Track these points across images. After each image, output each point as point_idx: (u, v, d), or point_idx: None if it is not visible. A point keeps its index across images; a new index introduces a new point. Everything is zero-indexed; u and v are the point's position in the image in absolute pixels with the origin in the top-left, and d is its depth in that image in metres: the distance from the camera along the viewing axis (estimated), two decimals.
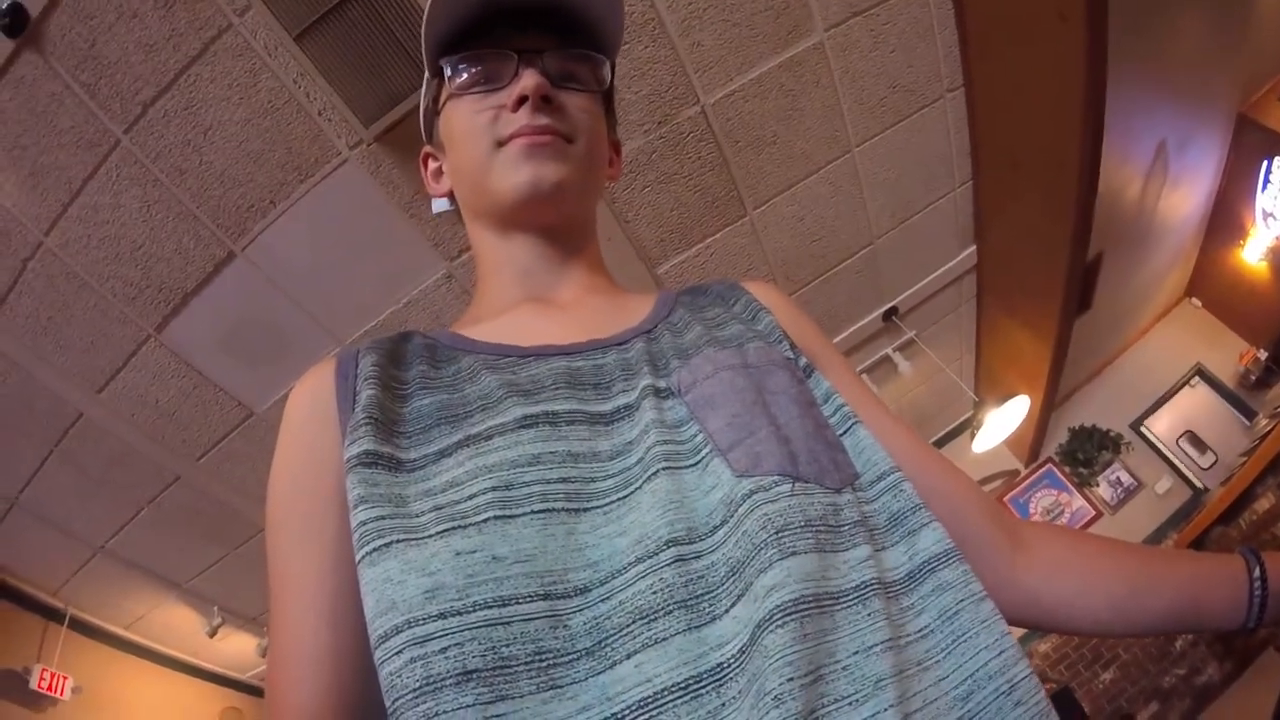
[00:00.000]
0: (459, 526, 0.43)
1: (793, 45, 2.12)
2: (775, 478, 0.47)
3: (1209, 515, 3.41)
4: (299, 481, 0.53)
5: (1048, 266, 2.80)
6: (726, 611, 0.42)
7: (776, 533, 0.44)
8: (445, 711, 0.37)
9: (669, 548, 0.43)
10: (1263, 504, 3.08)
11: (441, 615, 0.39)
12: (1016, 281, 3.08)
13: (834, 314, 3.11)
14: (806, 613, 0.41)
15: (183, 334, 2.02)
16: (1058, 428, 4.70)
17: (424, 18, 0.63)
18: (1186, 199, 4.14)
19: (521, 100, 0.62)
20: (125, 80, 1.60)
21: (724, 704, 0.38)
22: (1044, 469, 4.72)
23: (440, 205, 0.79)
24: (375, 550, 0.43)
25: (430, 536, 0.43)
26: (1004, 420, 3.26)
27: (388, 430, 0.50)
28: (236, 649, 3.28)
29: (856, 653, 0.42)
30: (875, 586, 0.45)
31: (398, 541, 0.43)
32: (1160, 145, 3.46)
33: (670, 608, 0.41)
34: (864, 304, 3.15)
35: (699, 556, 0.44)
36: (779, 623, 0.40)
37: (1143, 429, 4.69)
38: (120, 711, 2.93)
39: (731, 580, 0.43)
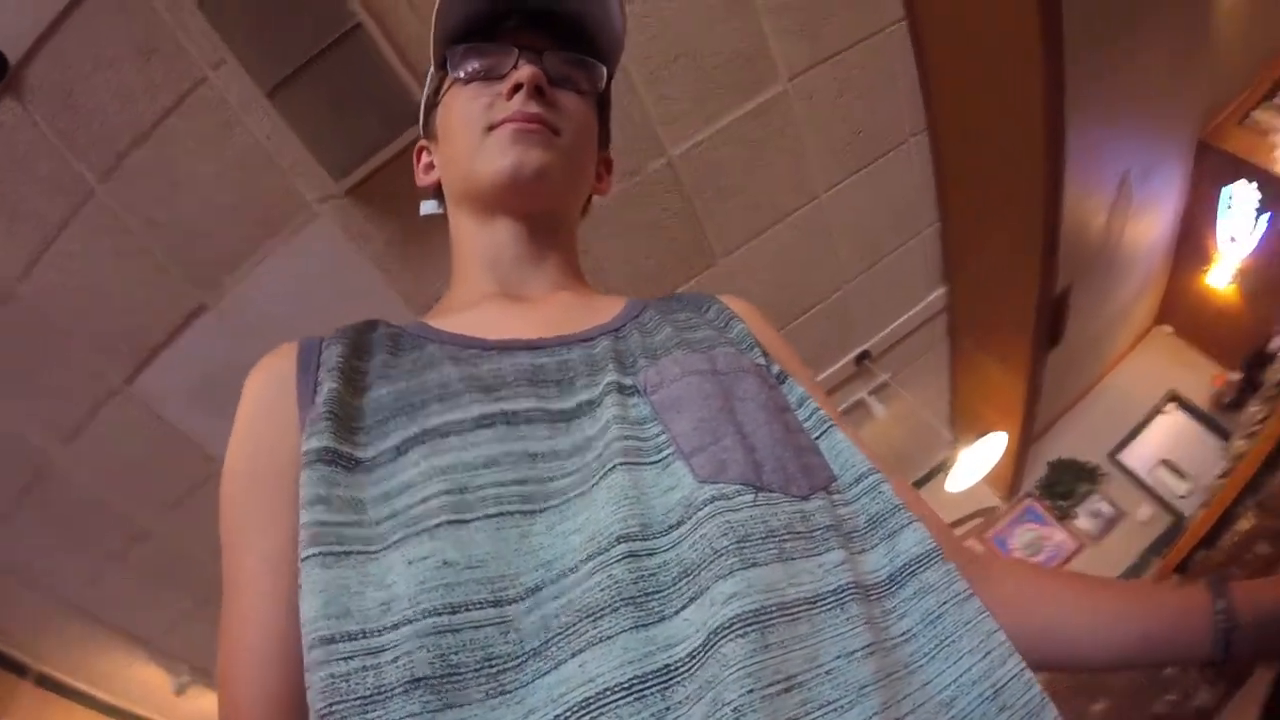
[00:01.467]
0: (413, 534, 0.43)
1: (757, 95, 2.17)
2: (738, 486, 0.47)
3: (1190, 539, 3.40)
4: (256, 469, 0.52)
5: (1018, 302, 2.85)
6: (677, 613, 0.41)
7: (738, 542, 0.44)
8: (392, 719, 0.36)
9: (620, 544, 0.43)
10: (1243, 524, 3.08)
11: (395, 626, 0.39)
12: (988, 319, 3.13)
13: (807, 359, 3.05)
14: (771, 622, 0.41)
15: (153, 385, 2.00)
16: (1036, 462, 4.73)
17: (435, 10, 0.66)
18: (1152, 227, 4.24)
19: (516, 88, 0.64)
20: (102, 129, 1.61)
21: (669, 708, 0.37)
22: (1024, 504, 4.74)
23: (429, 207, 0.82)
24: (332, 555, 0.42)
25: (387, 548, 0.43)
26: (981, 457, 3.28)
27: (346, 427, 0.50)
28: (204, 708, 3.19)
29: (839, 657, 0.41)
30: (853, 590, 0.45)
31: (357, 553, 0.43)
32: (1124, 176, 3.55)
33: (617, 604, 0.40)
34: (836, 348, 3.18)
35: (651, 554, 0.43)
36: (739, 631, 0.39)
37: (1120, 458, 4.73)
38: None
39: (684, 581, 0.42)
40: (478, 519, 0.44)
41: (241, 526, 0.51)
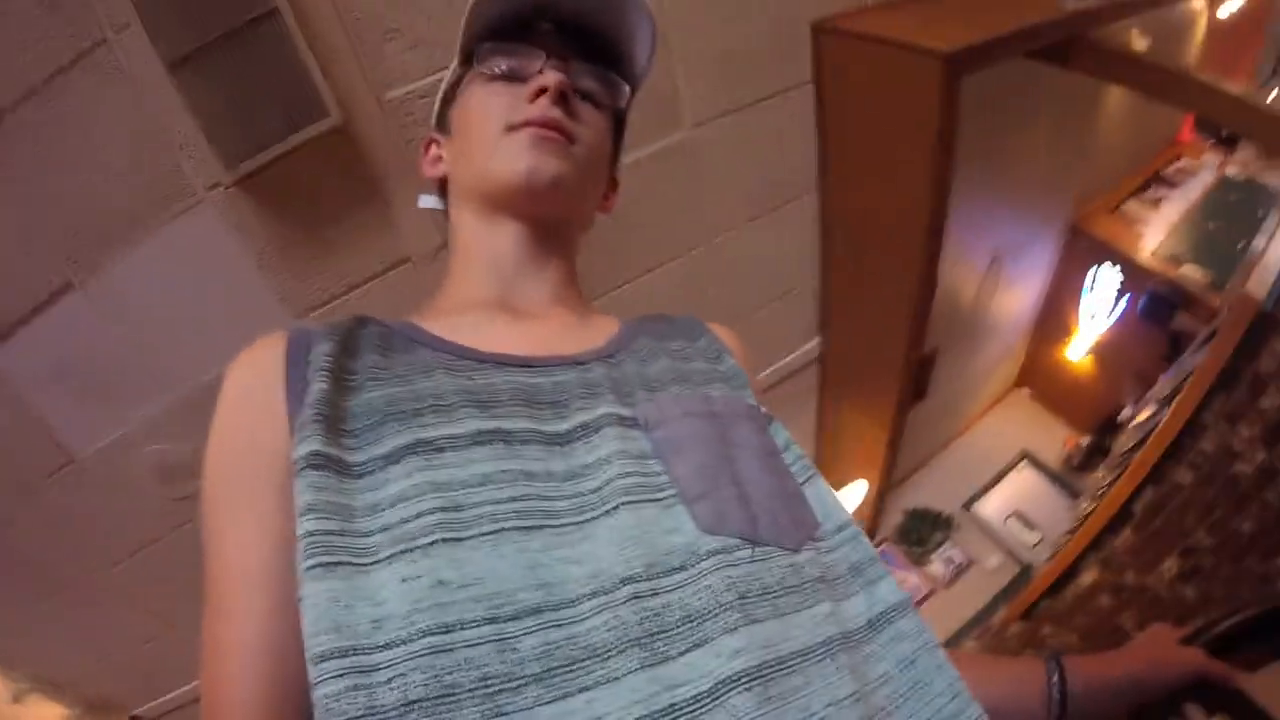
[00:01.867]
0: (405, 550, 0.42)
1: (661, 138, 2.23)
2: (737, 540, 0.49)
3: (1036, 589, 3.64)
4: (241, 463, 0.51)
5: (887, 359, 2.99)
6: (680, 655, 0.42)
7: (740, 597, 0.46)
8: None
9: (624, 585, 0.44)
10: (1086, 578, 3.31)
11: (387, 645, 0.39)
12: (857, 373, 3.26)
13: None
14: (771, 676, 0.43)
15: (7, 363, 1.84)
16: (894, 509, 4.96)
17: (470, 4, 0.67)
18: (1019, 299, 4.59)
19: (540, 92, 0.65)
20: None
21: None
22: (881, 549, 4.95)
23: (427, 201, 0.81)
24: (323, 566, 0.41)
25: (379, 562, 0.42)
26: (846, 506, 3.40)
27: (335, 430, 0.49)
28: (45, 718, 2.91)
29: (829, 705, 0.44)
30: (839, 641, 0.48)
31: (346, 564, 0.42)
32: (997, 252, 3.84)
33: (625, 646, 0.41)
34: None
35: (654, 594, 0.44)
36: (745, 685, 0.41)
37: (974, 509, 5.03)
38: None
39: (686, 626, 0.44)
40: (473, 537, 0.43)
41: (225, 526, 0.49)
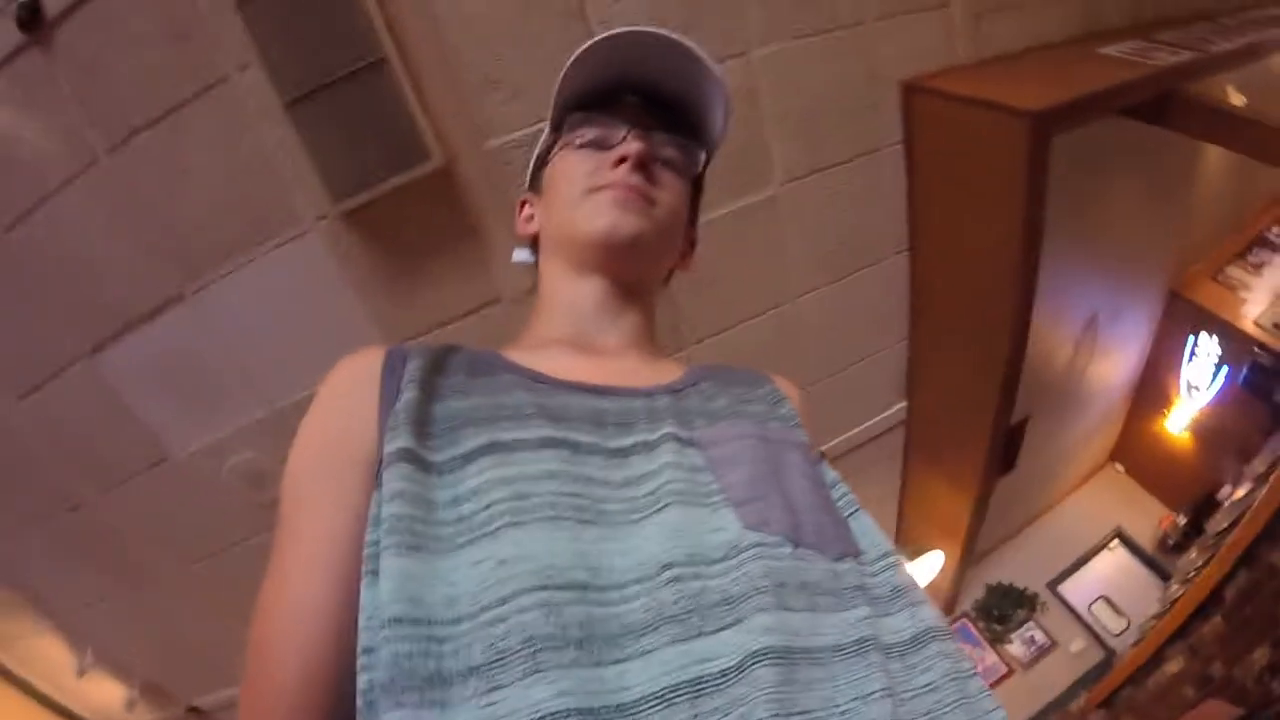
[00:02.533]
0: (476, 538, 0.46)
1: (750, 195, 2.24)
2: (780, 538, 0.52)
3: (1119, 676, 3.46)
4: (330, 445, 0.55)
5: (975, 426, 2.90)
6: (715, 632, 0.45)
7: (776, 585, 0.48)
8: (452, 704, 0.39)
9: (665, 570, 0.46)
10: (1171, 667, 3.13)
11: (456, 620, 0.42)
12: (943, 438, 3.17)
13: None
14: (796, 662, 0.44)
15: (117, 362, 1.99)
16: (975, 583, 4.76)
17: (558, 81, 0.74)
18: (1115, 368, 4.35)
19: (622, 160, 0.70)
20: (119, 102, 1.64)
21: (697, 715, 0.41)
22: (958, 624, 4.75)
23: (520, 255, 0.87)
24: (405, 547, 0.44)
25: (455, 549, 0.46)
26: (918, 574, 3.30)
27: (423, 432, 0.53)
28: (103, 695, 3.06)
29: (855, 699, 0.45)
30: (873, 643, 0.49)
31: (426, 549, 0.45)
32: (1092, 316, 3.68)
33: (660, 624, 0.44)
34: None
35: (696, 578, 0.47)
36: (772, 660, 0.43)
37: (1060, 590, 4.76)
38: None
39: (724, 608, 0.46)
40: (533, 521, 0.47)
41: (303, 501, 0.53)
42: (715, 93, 0.75)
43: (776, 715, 0.41)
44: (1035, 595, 4.72)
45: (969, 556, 3.96)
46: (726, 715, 0.41)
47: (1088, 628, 4.62)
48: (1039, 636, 4.62)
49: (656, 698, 0.41)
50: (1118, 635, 4.52)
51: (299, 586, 0.50)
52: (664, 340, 0.81)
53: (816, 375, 2.85)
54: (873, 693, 0.46)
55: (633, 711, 0.40)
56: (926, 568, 3.50)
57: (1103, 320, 3.76)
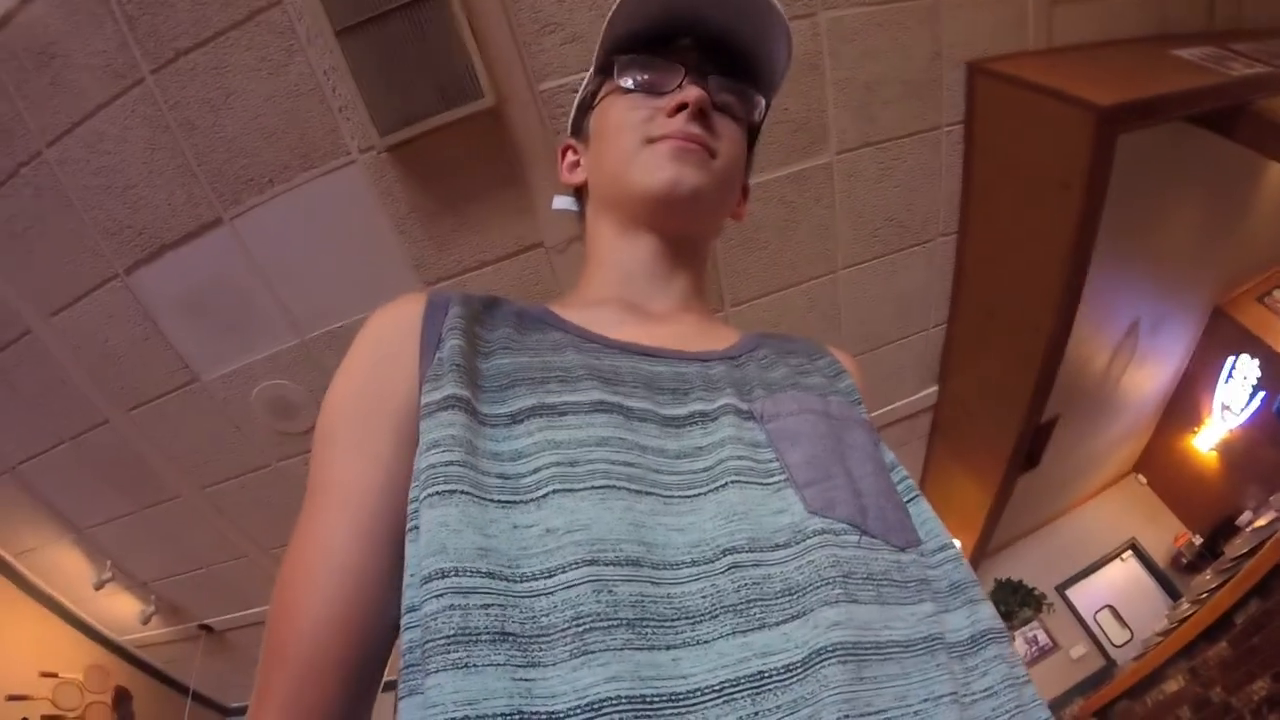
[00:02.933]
0: (521, 501, 0.44)
1: (804, 161, 2.20)
2: (845, 525, 0.49)
3: (1117, 687, 3.47)
4: (363, 396, 0.53)
5: (1004, 420, 2.87)
6: (778, 624, 0.42)
7: (844, 576, 0.45)
8: (477, 665, 0.36)
9: (725, 556, 0.44)
10: (1171, 685, 3.13)
11: (490, 575, 0.39)
12: (971, 429, 3.14)
13: None
14: (867, 658, 0.42)
15: (150, 283, 2.00)
16: (985, 577, 4.74)
17: (608, 16, 0.67)
18: (1150, 378, 4.28)
19: (680, 108, 0.65)
20: (166, 23, 1.62)
21: (757, 713, 0.38)
22: None
23: (563, 203, 0.83)
24: (439, 494, 0.42)
25: (492, 502, 0.43)
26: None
27: (471, 382, 0.50)
28: (119, 609, 3.15)
29: (926, 700, 0.42)
30: (940, 642, 0.46)
31: (462, 493, 0.42)
32: (1134, 322, 3.60)
33: (718, 612, 0.41)
34: None
35: (757, 565, 0.44)
36: (840, 658, 0.40)
37: (1068, 593, 4.75)
38: None
39: (786, 598, 0.43)
40: (585, 489, 0.44)
41: (336, 449, 0.52)
42: (777, 33, 0.69)
43: (848, 716, 0.38)
44: (1043, 596, 4.71)
45: (983, 549, 3.95)
46: (791, 715, 0.38)
47: (1091, 635, 4.61)
48: (1042, 637, 4.62)
49: (714, 691, 0.38)
50: (1120, 646, 4.51)
51: (325, 539, 0.48)
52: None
53: (851, 350, 2.79)
54: (942, 696, 0.43)
55: (688, 703, 0.37)
56: None
57: (1144, 328, 3.68)
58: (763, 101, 0.74)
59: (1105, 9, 2.30)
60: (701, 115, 0.66)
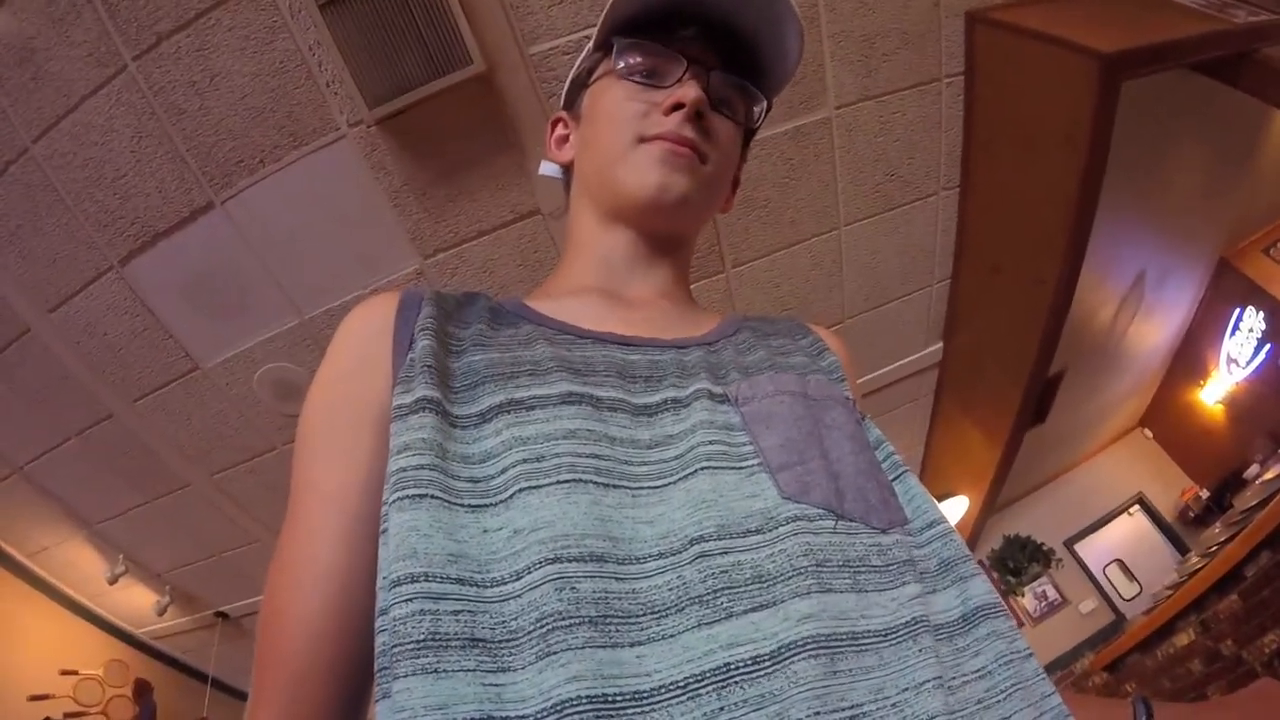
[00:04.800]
0: (489, 504, 0.44)
1: (802, 116, 2.17)
2: (820, 510, 0.48)
3: (1128, 641, 3.49)
4: (340, 398, 0.53)
5: (1010, 374, 2.86)
6: (745, 613, 0.41)
7: (817, 565, 0.44)
8: (446, 670, 0.36)
9: (693, 546, 0.43)
10: (1181, 639, 3.14)
11: (460, 581, 0.39)
12: (977, 385, 3.13)
13: None
14: (841, 650, 0.41)
15: (146, 272, 1.98)
16: (993, 533, 4.77)
17: None
18: (1156, 331, 4.27)
19: (676, 107, 0.63)
20: (146, 7, 1.58)
21: (723, 708, 0.37)
22: None
23: (550, 169, 0.80)
24: (409, 498, 0.42)
25: (462, 507, 0.43)
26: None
27: (443, 383, 0.50)
28: (134, 602, 3.17)
29: (905, 690, 0.41)
30: (924, 624, 0.45)
31: (432, 497, 0.42)
32: (1139, 275, 3.58)
33: (684, 604, 0.40)
34: None
35: (725, 553, 0.43)
36: (812, 652, 0.39)
37: (1076, 548, 4.77)
38: (6, 637, 2.82)
39: (756, 585, 0.42)
40: (549, 484, 0.44)
41: (316, 456, 0.52)
42: (788, 25, 0.66)
43: (818, 713, 0.37)
44: (1051, 551, 4.74)
45: (991, 505, 3.97)
46: (759, 710, 0.37)
47: (1100, 589, 4.65)
48: (1051, 592, 4.66)
49: (679, 687, 0.37)
50: (1129, 600, 4.54)
51: (309, 542, 0.48)
52: (702, 263, 0.76)
53: (854, 308, 2.81)
54: (924, 682, 0.42)
55: (651, 701, 0.36)
56: (950, 512, 3.51)
57: (1150, 280, 3.66)
58: (764, 103, 0.71)
59: None
60: (698, 116, 0.64)
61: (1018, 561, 4.67)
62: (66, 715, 2.91)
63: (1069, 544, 4.79)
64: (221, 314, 2.10)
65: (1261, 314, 4.05)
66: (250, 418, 2.37)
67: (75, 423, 2.36)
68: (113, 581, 2.90)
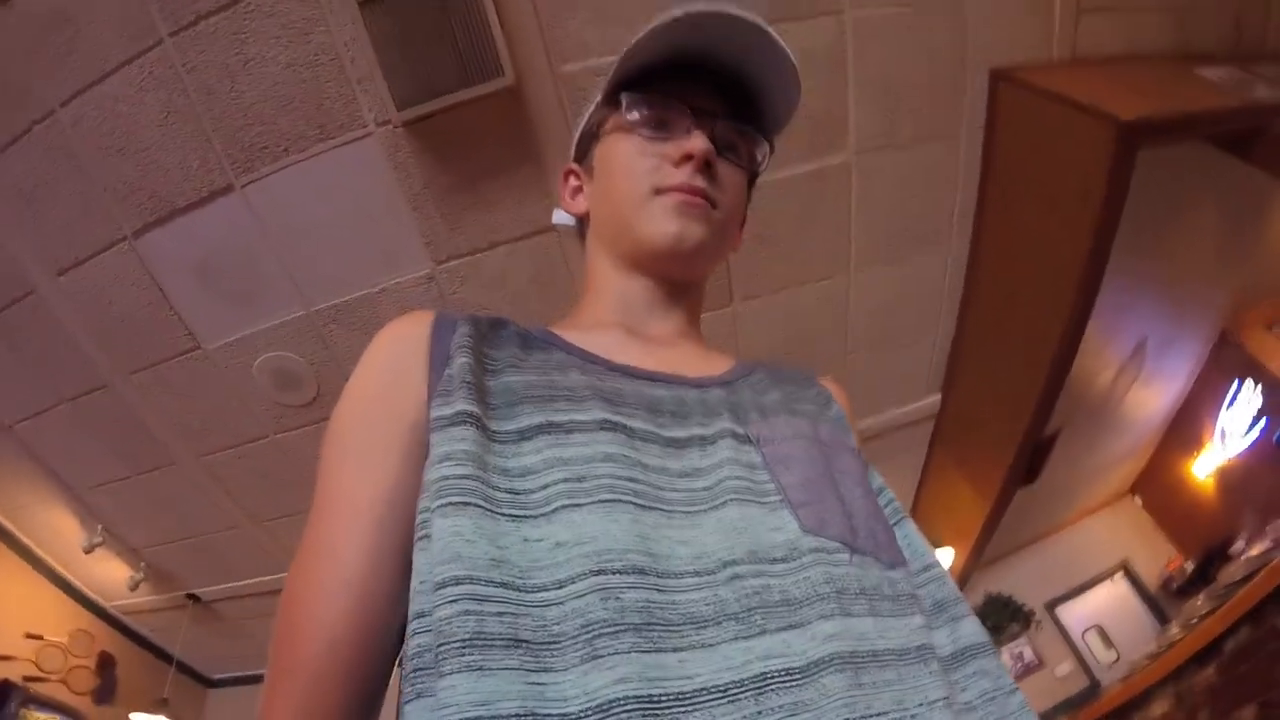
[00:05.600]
0: (531, 516, 0.45)
1: (823, 158, 2.19)
2: (837, 544, 0.51)
3: (1102, 707, 3.47)
4: (373, 408, 0.54)
5: (1006, 431, 2.86)
6: (778, 631, 0.43)
7: (837, 592, 0.47)
8: (490, 668, 0.37)
9: (726, 568, 0.45)
10: (1156, 709, 3.12)
11: (503, 585, 0.40)
12: (971, 439, 3.14)
13: None
14: (864, 665, 0.43)
15: (158, 247, 1.99)
16: (976, 588, 4.74)
17: (624, 52, 0.67)
18: (1154, 398, 4.26)
19: (686, 158, 0.66)
20: None
21: (760, 712, 0.39)
22: None
23: (563, 219, 0.84)
24: (453, 505, 0.43)
25: (503, 516, 0.44)
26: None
27: (479, 399, 0.51)
28: (107, 574, 3.15)
29: (921, 704, 0.44)
30: (931, 651, 0.49)
31: (475, 505, 0.43)
32: (1142, 341, 3.58)
33: (721, 619, 0.42)
34: None
35: (757, 576, 0.46)
36: (838, 667, 0.42)
37: (1057, 611, 4.74)
38: None
39: (785, 608, 0.45)
40: (592, 503, 0.45)
41: (345, 465, 0.52)
42: (785, 71, 0.69)
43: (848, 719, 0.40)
44: (1031, 612, 4.70)
45: (976, 560, 3.95)
46: (794, 716, 0.39)
47: (1077, 654, 4.60)
48: (1028, 654, 4.62)
49: (719, 691, 0.39)
50: (1106, 667, 4.50)
51: (333, 550, 0.49)
52: (711, 295, 0.78)
53: (857, 353, 2.82)
54: (936, 700, 0.45)
55: (694, 702, 0.38)
56: None
57: (1151, 347, 3.67)
58: (767, 147, 0.75)
59: (1130, 23, 2.28)
60: (707, 166, 0.67)
61: (998, 620, 4.65)
62: (26, 679, 2.89)
63: (1050, 606, 4.75)
64: (229, 297, 2.11)
65: (1259, 388, 4.05)
66: (246, 403, 2.37)
67: (69, 388, 2.36)
68: (89, 550, 2.88)
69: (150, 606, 3.37)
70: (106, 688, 3.26)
